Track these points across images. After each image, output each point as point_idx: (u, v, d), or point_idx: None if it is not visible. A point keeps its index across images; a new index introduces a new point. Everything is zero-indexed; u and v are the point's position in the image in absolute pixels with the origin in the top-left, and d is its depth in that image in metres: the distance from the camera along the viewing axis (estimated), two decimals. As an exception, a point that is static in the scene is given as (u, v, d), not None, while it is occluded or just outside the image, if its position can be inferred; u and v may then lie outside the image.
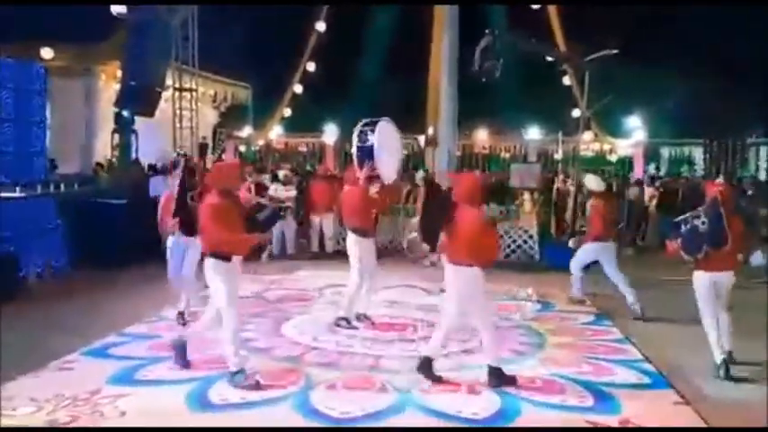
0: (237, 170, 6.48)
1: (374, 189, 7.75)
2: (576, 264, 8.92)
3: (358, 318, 7.63)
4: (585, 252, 8.81)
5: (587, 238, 8.94)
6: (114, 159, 15.27)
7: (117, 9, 14.19)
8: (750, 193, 14.44)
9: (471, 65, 12.18)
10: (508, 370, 5.80)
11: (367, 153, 7.48)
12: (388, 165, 7.72)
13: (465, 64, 14.03)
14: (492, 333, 5.80)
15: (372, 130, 7.53)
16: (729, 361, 6.04)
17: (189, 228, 6.75)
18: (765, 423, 5.03)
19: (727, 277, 6.33)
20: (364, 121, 7.73)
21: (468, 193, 5.75)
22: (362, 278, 7.58)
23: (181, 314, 7.39)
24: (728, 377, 5.94)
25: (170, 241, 7.30)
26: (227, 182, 5.72)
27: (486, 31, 12.11)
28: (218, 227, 5.47)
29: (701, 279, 6.27)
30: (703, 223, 6.18)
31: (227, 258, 5.54)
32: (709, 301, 6.21)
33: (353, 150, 7.72)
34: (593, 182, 9.31)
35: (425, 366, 5.75)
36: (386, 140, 7.65)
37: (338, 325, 7.45)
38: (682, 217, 6.42)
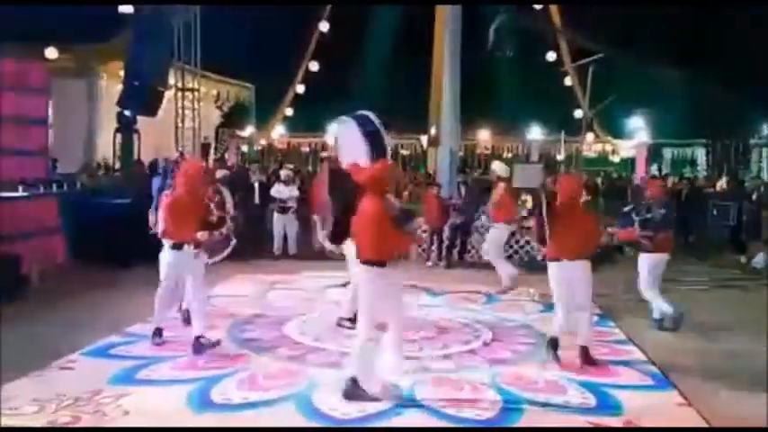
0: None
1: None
2: (494, 250, 9.63)
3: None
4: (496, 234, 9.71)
5: (496, 219, 9.74)
6: (110, 160, 15.33)
7: (123, 8, 14.22)
8: (754, 196, 14.42)
9: (485, 43, 12.36)
10: (511, 371, 5.79)
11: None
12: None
13: (474, 48, 14.19)
14: (400, 336, 5.64)
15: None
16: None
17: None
18: (765, 423, 5.02)
19: (666, 257, 7.71)
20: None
21: (373, 181, 5.36)
22: None
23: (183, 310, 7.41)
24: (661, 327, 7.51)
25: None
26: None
27: (500, 10, 12.31)
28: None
29: (649, 259, 7.63)
30: (659, 214, 7.55)
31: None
32: (653, 275, 7.65)
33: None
34: (501, 168, 10.29)
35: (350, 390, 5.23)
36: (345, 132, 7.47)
37: (340, 325, 7.44)
38: (627, 209, 7.99)
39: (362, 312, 5.40)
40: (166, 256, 6.56)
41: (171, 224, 6.35)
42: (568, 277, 6.20)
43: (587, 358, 6.21)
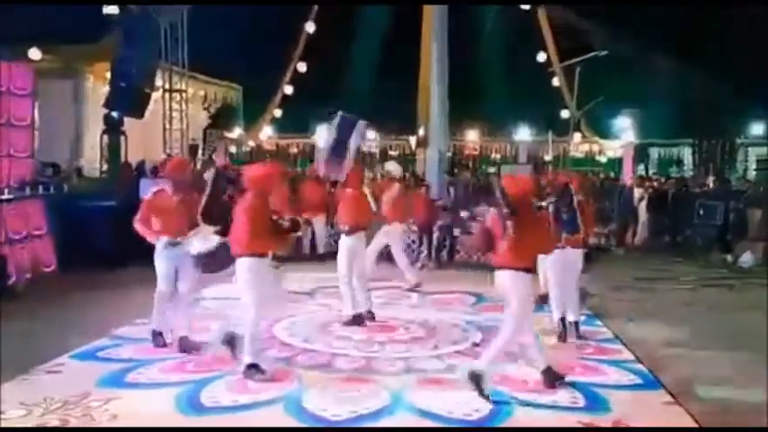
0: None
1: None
2: (373, 249, 9.40)
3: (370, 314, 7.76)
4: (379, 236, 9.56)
5: (390, 219, 9.58)
6: (86, 165, 15.27)
7: (107, 9, 14.13)
8: (746, 194, 14.56)
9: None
10: (500, 371, 5.80)
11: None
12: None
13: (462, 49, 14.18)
14: (252, 331, 5.79)
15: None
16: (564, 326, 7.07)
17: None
18: (750, 423, 5.05)
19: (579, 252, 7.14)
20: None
21: (254, 180, 5.90)
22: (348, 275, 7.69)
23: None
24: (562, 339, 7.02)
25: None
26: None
27: None
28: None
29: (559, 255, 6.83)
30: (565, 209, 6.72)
31: None
32: (561, 272, 7.08)
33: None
34: (394, 168, 10.38)
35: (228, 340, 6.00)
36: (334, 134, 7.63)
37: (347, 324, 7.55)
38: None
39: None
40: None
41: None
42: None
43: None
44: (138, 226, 6.45)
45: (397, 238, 9.80)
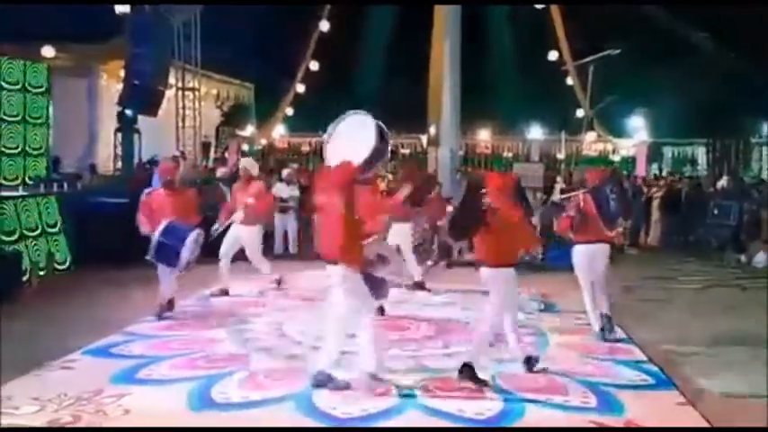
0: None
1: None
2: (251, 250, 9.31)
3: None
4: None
5: (254, 218, 9.15)
6: (98, 163, 15.40)
7: (120, 8, 14.19)
8: (760, 194, 14.45)
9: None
10: (512, 370, 5.79)
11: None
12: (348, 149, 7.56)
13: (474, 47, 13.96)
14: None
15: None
16: (607, 322, 6.97)
17: None
18: (766, 423, 5.02)
19: (603, 247, 7.08)
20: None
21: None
22: None
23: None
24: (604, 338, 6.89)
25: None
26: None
27: None
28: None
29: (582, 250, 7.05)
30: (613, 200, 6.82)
31: None
32: (586, 269, 7.05)
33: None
34: (249, 164, 9.95)
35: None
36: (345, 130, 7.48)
37: None
38: (564, 196, 7.44)
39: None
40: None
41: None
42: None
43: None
44: (139, 222, 7.68)
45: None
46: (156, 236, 7.25)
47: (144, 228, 7.60)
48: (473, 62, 16.81)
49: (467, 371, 5.56)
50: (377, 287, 5.62)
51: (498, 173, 7.27)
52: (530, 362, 5.97)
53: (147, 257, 7.30)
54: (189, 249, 7.29)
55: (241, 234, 8.94)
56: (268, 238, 12.57)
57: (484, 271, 5.82)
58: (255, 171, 9.66)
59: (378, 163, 6.63)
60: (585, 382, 5.73)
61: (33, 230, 9.73)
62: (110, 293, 8.80)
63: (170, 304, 7.78)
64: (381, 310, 7.80)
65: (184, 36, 16.82)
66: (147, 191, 8.10)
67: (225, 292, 8.90)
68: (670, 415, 5.15)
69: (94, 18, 14.89)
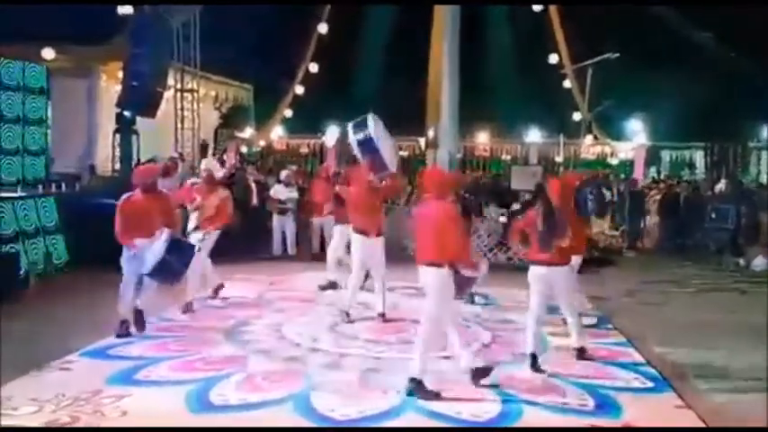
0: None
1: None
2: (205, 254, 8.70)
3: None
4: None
5: (211, 226, 8.54)
6: (97, 164, 15.38)
7: (122, 9, 14.19)
8: (758, 198, 14.46)
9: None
10: (510, 372, 5.78)
11: (368, 146, 7.54)
12: (391, 152, 7.80)
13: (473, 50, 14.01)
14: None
15: (365, 125, 7.62)
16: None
17: None
18: (765, 425, 5.02)
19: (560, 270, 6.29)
20: (353, 121, 7.83)
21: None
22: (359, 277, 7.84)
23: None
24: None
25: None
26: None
27: None
28: None
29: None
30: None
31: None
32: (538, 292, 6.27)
33: (355, 149, 7.79)
34: (213, 167, 9.85)
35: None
36: (380, 131, 7.74)
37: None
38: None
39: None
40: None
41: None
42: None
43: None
44: (118, 234, 6.81)
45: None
46: (160, 251, 6.54)
47: (124, 240, 6.79)
48: (472, 63, 16.78)
49: (416, 386, 5.37)
50: (463, 285, 5.77)
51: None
52: (477, 372, 5.69)
53: (144, 273, 6.69)
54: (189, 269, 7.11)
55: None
56: (268, 238, 12.62)
57: (421, 270, 5.64)
58: (219, 174, 9.36)
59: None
60: (584, 385, 5.74)
61: (31, 231, 9.72)
62: (109, 294, 8.76)
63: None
64: (382, 315, 7.83)
65: (183, 37, 16.79)
66: (124, 196, 7.02)
67: (217, 291, 8.83)
68: (668, 418, 5.16)
69: (94, 19, 14.89)
